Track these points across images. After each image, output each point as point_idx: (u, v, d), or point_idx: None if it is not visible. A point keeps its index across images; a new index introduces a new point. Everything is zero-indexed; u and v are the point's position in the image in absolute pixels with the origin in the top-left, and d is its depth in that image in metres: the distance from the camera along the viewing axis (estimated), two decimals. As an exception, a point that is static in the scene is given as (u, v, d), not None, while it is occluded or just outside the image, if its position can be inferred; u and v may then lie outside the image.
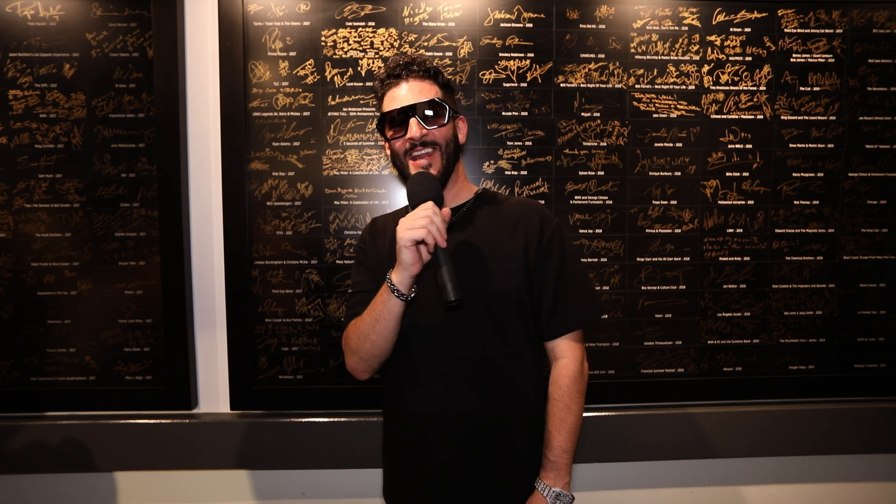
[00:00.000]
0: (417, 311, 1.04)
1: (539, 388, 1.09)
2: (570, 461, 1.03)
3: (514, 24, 1.50)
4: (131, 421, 1.49)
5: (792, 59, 1.54)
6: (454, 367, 1.03)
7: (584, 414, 1.51)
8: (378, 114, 1.10)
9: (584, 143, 1.53)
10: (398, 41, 1.49)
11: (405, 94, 1.05)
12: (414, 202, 0.97)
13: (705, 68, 1.53)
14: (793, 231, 1.57)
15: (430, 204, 0.94)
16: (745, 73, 1.53)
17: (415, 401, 1.05)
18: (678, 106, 1.53)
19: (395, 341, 1.05)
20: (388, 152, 1.10)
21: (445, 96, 1.08)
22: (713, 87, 1.53)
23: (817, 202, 1.56)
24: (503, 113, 1.51)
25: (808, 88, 1.54)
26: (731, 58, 1.53)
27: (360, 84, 1.49)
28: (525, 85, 1.51)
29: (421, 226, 0.90)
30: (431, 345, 1.04)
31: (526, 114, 1.52)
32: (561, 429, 1.03)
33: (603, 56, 1.51)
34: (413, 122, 1.03)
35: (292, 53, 1.49)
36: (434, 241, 0.91)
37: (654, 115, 1.53)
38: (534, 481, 1.05)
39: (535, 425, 1.08)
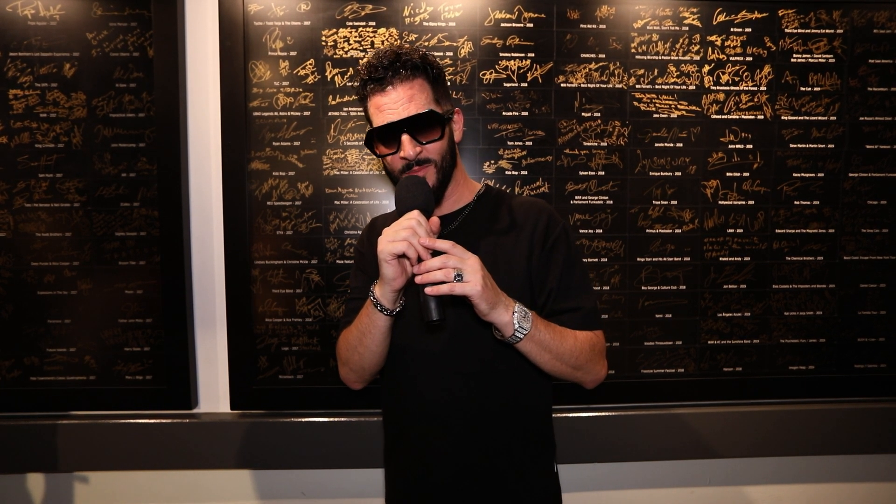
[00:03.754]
0: (413, 333, 1.01)
1: (545, 397, 1.08)
2: (532, 329, 0.89)
3: (514, 24, 1.50)
4: (131, 421, 1.49)
5: (792, 60, 1.54)
6: (455, 383, 1.00)
7: (584, 414, 1.52)
8: (363, 112, 1.01)
9: (585, 143, 1.53)
10: (399, 41, 1.49)
11: (393, 104, 0.93)
12: (401, 210, 0.90)
13: (706, 68, 1.53)
14: (793, 231, 1.56)
15: (415, 213, 0.86)
16: (746, 74, 1.53)
17: (412, 409, 1.04)
18: (678, 106, 1.53)
19: (386, 354, 1.01)
20: (383, 165, 1.02)
21: (438, 93, 0.98)
22: (713, 88, 1.53)
23: (817, 202, 1.56)
24: (504, 113, 1.51)
25: (809, 89, 1.54)
26: (731, 58, 1.53)
27: (361, 84, 1.49)
28: (525, 85, 1.51)
29: (402, 238, 0.83)
30: (430, 364, 1.01)
31: (526, 114, 1.52)
32: (556, 329, 0.94)
33: (603, 56, 1.51)
34: (405, 139, 0.93)
35: (293, 53, 1.48)
36: (416, 255, 0.84)
37: (655, 116, 1.53)
38: (537, 493, 1.04)
39: (542, 439, 1.07)
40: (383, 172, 1.52)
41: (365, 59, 0.97)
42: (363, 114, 1.48)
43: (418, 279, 0.83)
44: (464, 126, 1.08)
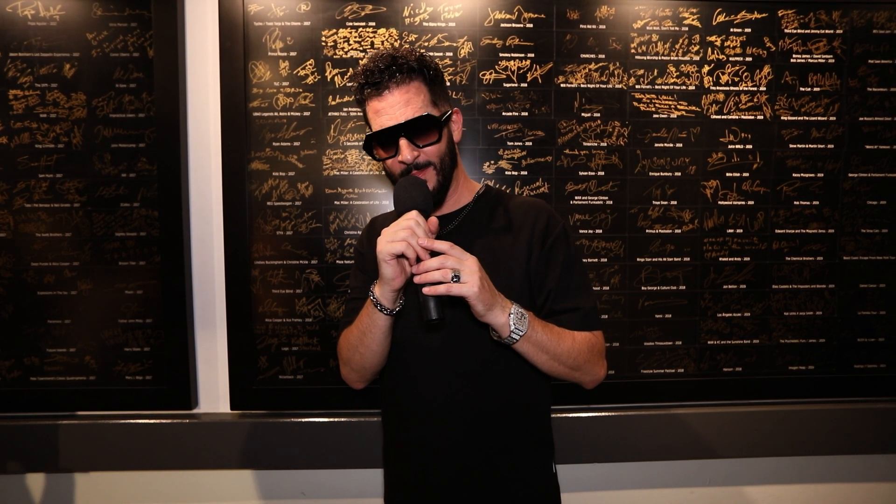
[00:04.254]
0: (413, 333, 1.01)
1: (543, 397, 1.08)
2: (528, 330, 0.90)
3: (514, 25, 1.50)
4: (131, 421, 1.49)
5: (792, 60, 1.54)
6: (454, 383, 1.00)
7: (584, 414, 1.52)
8: (362, 115, 1.01)
9: (585, 144, 1.53)
10: (398, 41, 1.49)
11: (390, 108, 0.94)
12: (400, 210, 0.91)
13: (705, 69, 1.53)
14: (793, 231, 1.57)
15: (413, 214, 0.87)
16: (746, 74, 1.53)
17: (411, 409, 1.04)
18: (678, 106, 1.53)
19: (387, 353, 1.02)
20: (384, 167, 1.03)
21: (436, 94, 0.98)
22: (713, 88, 1.53)
23: (817, 202, 1.56)
24: (503, 113, 1.51)
25: (809, 89, 1.54)
26: (731, 58, 1.53)
27: (361, 84, 1.49)
28: (525, 85, 1.51)
29: (401, 238, 0.84)
30: (430, 363, 1.01)
31: (526, 114, 1.52)
32: (554, 330, 0.95)
33: (603, 56, 1.51)
34: (403, 143, 0.93)
35: (293, 53, 1.49)
36: (415, 255, 0.84)
37: (655, 116, 1.53)
38: (535, 492, 1.04)
39: (540, 440, 1.07)
40: (383, 173, 1.51)
41: (363, 62, 0.97)
42: (363, 115, 1.50)
43: (416, 279, 0.84)
44: (463, 126, 1.08)
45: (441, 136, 0.97)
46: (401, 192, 0.92)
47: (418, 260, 0.85)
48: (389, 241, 0.86)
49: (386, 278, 0.89)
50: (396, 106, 0.94)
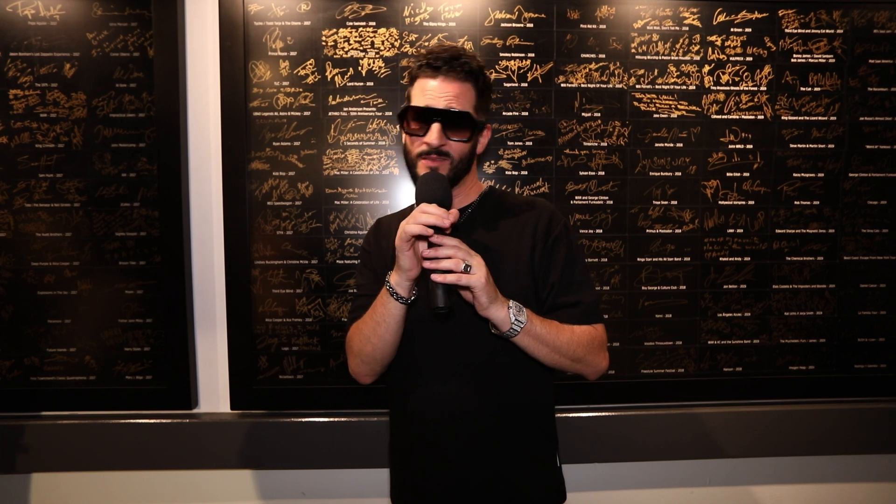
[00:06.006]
0: (421, 320, 1.03)
1: (547, 392, 1.09)
2: (527, 323, 0.94)
3: (514, 24, 1.50)
4: (131, 421, 1.49)
5: (792, 60, 1.54)
6: (458, 370, 1.02)
7: (584, 414, 1.52)
8: (406, 96, 1.04)
9: (585, 144, 1.53)
10: (399, 41, 1.49)
11: (437, 92, 0.98)
12: (420, 203, 0.94)
13: (706, 68, 1.53)
14: (793, 231, 1.56)
15: (433, 206, 0.91)
16: (746, 74, 1.53)
17: (419, 403, 1.05)
18: (679, 106, 1.53)
19: (398, 345, 1.03)
20: (403, 141, 1.05)
21: (480, 104, 1.03)
22: (714, 88, 1.53)
23: (818, 202, 1.56)
24: (504, 113, 1.51)
25: (809, 89, 1.54)
26: (731, 58, 1.53)
27: (361, 84, 1.49)
28: (526, 85, 1.51)
29: (422, 222, 0.88)
30: (435, 346, 1.03)
31: (526, 114, 1.52)
32: (553, 323, 0.98)
33: (603, 56, 1.51)
34: (435, 127, 0.97)
35: (293, 53, 1.48)
36: (429, 231, 0.87)
37: (655, 116, 1.53)
38: (541, 486, 1.05)
39: (543, 429, 1.08)
40: (384, 172, 1.52)
41: (431, 43, 1.05)
42: (364, 114, 1.49)
43: (427, 264, 0.88)
44: (488, 141, 1.12)
45: (470, 138, 1.01)
46: (422, 185, 0.95)
47: (430, 246, 0.88)
48: (409, 223, 0.89)
49: (403, 268, 0.92)
50: (446, 93, 0.98)
